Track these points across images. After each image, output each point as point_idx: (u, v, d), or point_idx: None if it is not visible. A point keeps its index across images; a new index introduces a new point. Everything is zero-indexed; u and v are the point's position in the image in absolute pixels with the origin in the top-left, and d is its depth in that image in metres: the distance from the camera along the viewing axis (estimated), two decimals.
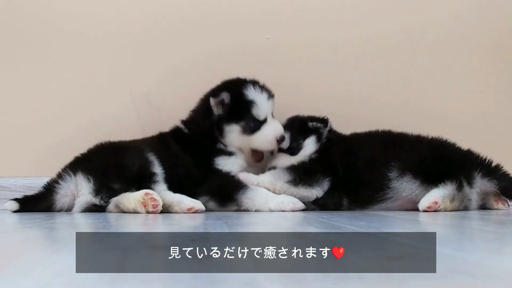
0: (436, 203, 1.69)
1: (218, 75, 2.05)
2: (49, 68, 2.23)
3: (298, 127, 2.03)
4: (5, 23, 2.23)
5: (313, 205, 1.87)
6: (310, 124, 2.01)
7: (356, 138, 2.01)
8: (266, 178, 1.90)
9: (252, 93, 1.95)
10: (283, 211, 1.77)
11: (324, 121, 2.03)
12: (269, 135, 1.95)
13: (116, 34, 2.24)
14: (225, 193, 1.83)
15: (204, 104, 2.00)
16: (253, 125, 1.95)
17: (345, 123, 2.14)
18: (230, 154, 1.96)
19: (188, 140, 1.98)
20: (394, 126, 2.01)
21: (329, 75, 2.30)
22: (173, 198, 1.74)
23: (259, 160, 2.02)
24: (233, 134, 1.95)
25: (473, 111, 2.32)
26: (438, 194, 1.71)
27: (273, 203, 1.78)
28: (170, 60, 2.26)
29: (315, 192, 1.88)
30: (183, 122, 2.04)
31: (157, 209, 1.68)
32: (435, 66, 2.32)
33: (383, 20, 2.31)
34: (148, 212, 1.67)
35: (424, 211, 1.69)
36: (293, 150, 2.00)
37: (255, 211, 1.80)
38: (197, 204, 1.74)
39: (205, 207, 1.80)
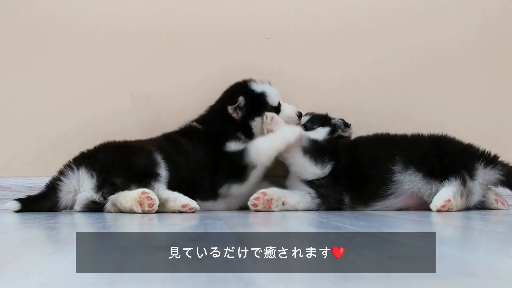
0: (449, 201, 1.69)
1: (218, 73, 2.08)
2: (49, 68, 2.22)
3: (320, 117, 2.14)
4: (6, 22, 2.23)
5: (316, 196, 1.88)
6: (333, 120, 2.13)
7: (360, 138, 2.04)
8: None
9: (258, 87, 2.09)
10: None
11: (347, 124, 2.13)
12: (290, 112, 2.10)
13: (118, 34, 2.24)
14: (237, 165, 1.91)
15: (220, 112, 2.06)
16: (273, 112, 2.06)
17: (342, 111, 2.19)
18: (243, 142, 2.00)
19: (201, 133, 2.03)
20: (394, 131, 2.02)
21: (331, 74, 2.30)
22: (170, 195, 1.75)
23: None
24: (260, 126, 2.04)
25: (469, 104, 2.32)
26: (449, 193, 1.72)
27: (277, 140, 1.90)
28: (170, 59, 2.25)
29: (316, 169, 1.91)
30: (197, 121, 2.08)
31: (153, 208, 1.67)
32: (438, 76, 2.33)
33: (388, 39, 2.32)
34: (144, 212, 1.67)
35: (438, 210, 1.69)
36: (306, 128, 2.09)
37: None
38: (192, 202, 1.74)
39: (230, 195, 1.91)
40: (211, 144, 1.98)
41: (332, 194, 1.89)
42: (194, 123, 2.08)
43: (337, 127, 2.11)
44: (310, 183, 1.92)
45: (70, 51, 2.23)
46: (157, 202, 1.69)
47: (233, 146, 1.98)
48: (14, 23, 2.22)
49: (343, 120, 2.12)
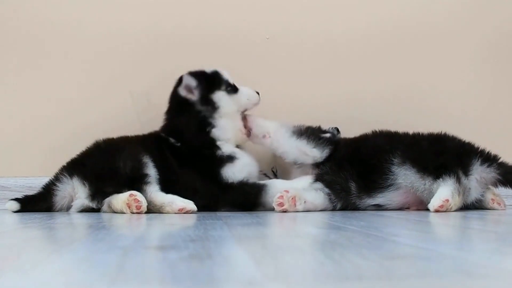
0: (447, 200, 1.70)
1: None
2: (48, 68, 2.22)
3: (315, 128, 2.10)
4: (2, 24, 2.23)
5: (319, 182, 1.88)
6: (328, 129, 2.09)
7: (364, 134, 2.03)
8: (273, 123, 2.02)
9: (209, 69, 1.99)
10: None
11: (339, 131, 2.13)
12: (249, 89, 2.00)
13: (115, 34, 2.24)
14: (249, 203, 1.85)
15: (176, 104, 1.97)
16: (231, 87, 1.98)
17: (348, 125, 2.18)
18: (232, 159, 1.90)
19: (184, 155, 1.91)
20: (395, 125, 2.03)
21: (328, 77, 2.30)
22: (165, 199, 1.75)
23: (249, 135, 2.01)
24: (223, 100, 1.94)
25: (475, 110, 2.33)
26: (447, 192, 1.72)
27: None
28: (170, 58, 2.25)
29: (315, 151, 1.95)
30: (169, 133, 1.96)
31: (140, 210, 1.69)
32: (437, 63, 2.33)
33: (383, 16, 2.32)
34: (132, 213, 1.69)
35: (436, 210, 1.69)
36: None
37: None
38: (189, 204, 1.73)
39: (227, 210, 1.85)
40: (202, 172, 1.87)
41: (338, 180, 1.88)
42: (171, 140, 1.93)
43: (334, 134, 2.10)
44: (315, 177, 1.92)
45: (69, 52, 2.23)
46: (144, 204, 1.70)
47: (228, 172, 1.87)
48: (10, 26, 2.22)
49: (336, 127, 2.12)
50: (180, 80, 1.96)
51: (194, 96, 1.93)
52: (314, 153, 1.96)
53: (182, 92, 1.94)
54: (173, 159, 1.91)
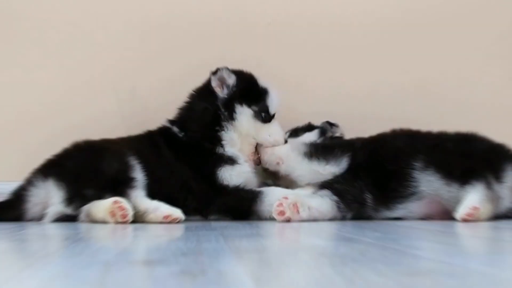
0: (476, 208, 1.68)
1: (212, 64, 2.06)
2: (27, 69, 2.23)
3: (303, 127, 2.14)
4: None
5: (326, 189, 1.87)
6: (318, 125, 2.13)
7: (383, 133, 2.03)
8: (284, 148, 2.00)
9: (264, 83, 2.01)
10: None
11: (333, 124, 2.15)
12: (280, 130, 2.01)
13: (100, 29, 2.26)
14: (242, 209, 1.86)
15: (203, 90, 2.00)
16: (264, 115, 1.99)
17: (355, 119, 2.22)
18: (233, 162, 1.93)
19: (184, 147, 1.95)
20: (411, 119, 2.05)
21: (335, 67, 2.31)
22: (149, 205, 1.74)
23: (259, 163, 2.03)
24: (245, 118, 1.96)
25: (495, 102, 2.34)
26: (475, 199, 1.70)
27: None
28: (157, 51, 2.26)
29: (329, 168, 1.92)
30: (174, 122, 2.01)
31: (126, 219, 1.67)
32: (457, 53, 2.34)
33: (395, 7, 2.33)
34: (117, 223, 1.67)
35: (464, 220, 1.67)
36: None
37: None
38: (176, 212, 1.72)
39: (221, 219, 1.86)
40: (199, 168, 1.91)
41: (351, 190, 1.87)
42: (174, 128, 1.98)
43: (324, 129, 2.12)
44: (322, 185, 1.91)
45: (52, 52, 2.25)
46: (130, 212, 1.68)
47: (225, 174, 1.90)
48: None
49: (327, 121, 2.14)
50: (217, 70, 1.97)
51: (221, 93, 1.96)
52: (330, 170, 1.93)
53: (214, 82, 1.96)
54: (170, 153, 1.93)
